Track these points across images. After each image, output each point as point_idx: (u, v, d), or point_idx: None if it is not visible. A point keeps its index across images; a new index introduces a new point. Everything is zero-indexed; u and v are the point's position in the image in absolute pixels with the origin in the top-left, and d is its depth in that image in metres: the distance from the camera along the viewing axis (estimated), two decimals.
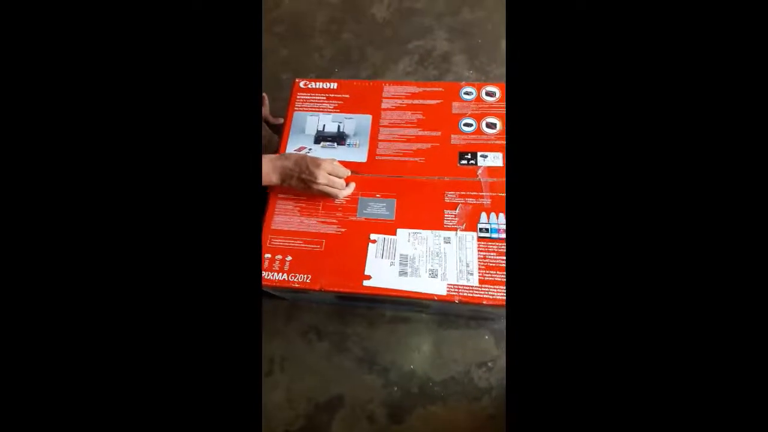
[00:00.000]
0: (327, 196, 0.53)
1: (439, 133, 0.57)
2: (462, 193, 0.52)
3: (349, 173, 0.55)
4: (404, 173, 0.54)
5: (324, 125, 0.59)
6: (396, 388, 0.57)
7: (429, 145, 0.56)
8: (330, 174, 0.51)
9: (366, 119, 0.59)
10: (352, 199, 0.53)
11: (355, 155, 0.56)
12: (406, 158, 0.55)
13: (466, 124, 0.57)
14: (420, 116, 0.58)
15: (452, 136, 0.56)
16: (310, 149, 0.57)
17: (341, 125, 0.59)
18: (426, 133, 0.57)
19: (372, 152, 0.56)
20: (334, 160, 0.53)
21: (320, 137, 0.58)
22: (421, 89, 0.60)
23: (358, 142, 0.57)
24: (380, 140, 0.57)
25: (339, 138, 0.58)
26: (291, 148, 0.58)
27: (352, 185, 0.54)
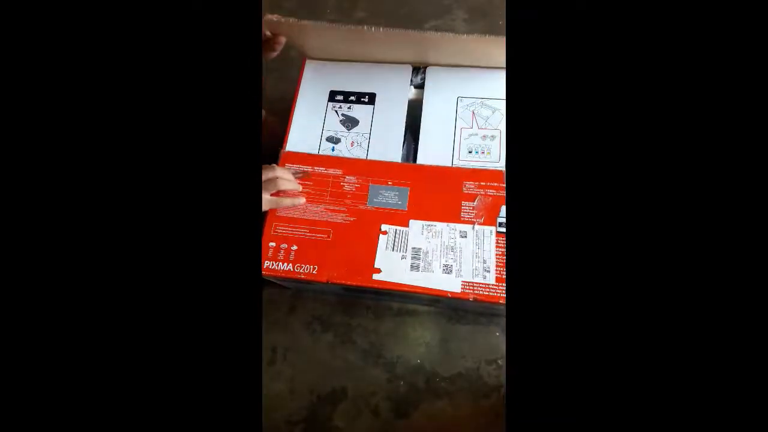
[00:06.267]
0: None
1: None
2: (482, 183, 0.49)
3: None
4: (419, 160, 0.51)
5: None
6: (402, 382, 0.56)
7: None
8: None
9: None
10: (362, 186, 0.50)
11: None
12: None
13: None
14: None
15: None
16: None
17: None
18: None
19: None
20: None
21: None
22: None
23: None
24: None
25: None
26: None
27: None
